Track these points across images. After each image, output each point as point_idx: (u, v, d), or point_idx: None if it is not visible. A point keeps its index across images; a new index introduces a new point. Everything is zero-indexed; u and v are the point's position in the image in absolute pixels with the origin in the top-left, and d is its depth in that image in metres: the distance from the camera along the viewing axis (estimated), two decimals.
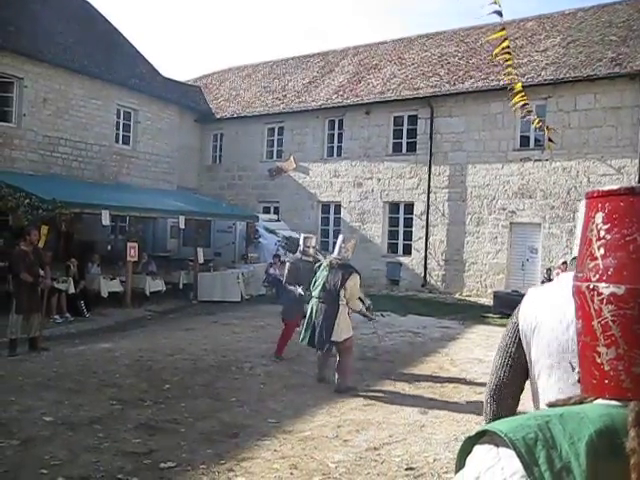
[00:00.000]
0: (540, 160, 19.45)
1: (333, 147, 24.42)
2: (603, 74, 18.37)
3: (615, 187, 1.10)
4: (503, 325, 15.08)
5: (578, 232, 1.63)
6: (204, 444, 6.40)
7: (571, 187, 18.93)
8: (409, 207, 22.40)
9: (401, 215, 22.74)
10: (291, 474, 5.66)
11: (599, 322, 1.07)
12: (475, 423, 7.31)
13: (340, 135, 24.13)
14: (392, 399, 8.41)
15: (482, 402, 7.58)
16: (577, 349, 1.14)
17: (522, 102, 4.14)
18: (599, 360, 1.07)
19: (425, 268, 21.77)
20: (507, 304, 16.89)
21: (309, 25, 78.02)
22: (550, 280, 17.02)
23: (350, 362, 9.07)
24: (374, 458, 6.13)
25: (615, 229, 1.07)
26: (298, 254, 11.35)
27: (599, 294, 1.07)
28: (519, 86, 4.36)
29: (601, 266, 1.08)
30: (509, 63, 4.21)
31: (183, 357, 10.75)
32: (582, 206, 1.27)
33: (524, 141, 20.10)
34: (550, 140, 16.02)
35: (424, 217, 21.77)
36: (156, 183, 23.93)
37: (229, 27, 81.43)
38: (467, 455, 1.05)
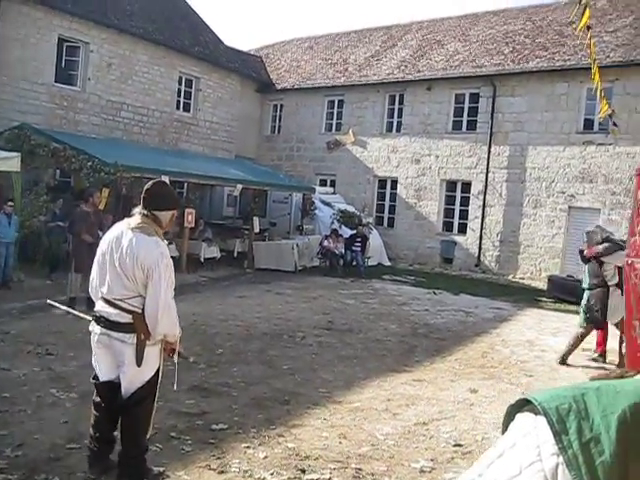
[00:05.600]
0: (603, 144, 19.02)
1: (392, 122, 24.24)
2: None
3: None
4: (557, 310, 15.03)
5: None
6: (255, 409, 6.53)
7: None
8: (466, 186, 22.17)
9: (458, 194, 22.53)
10: (340, 443, 5.74)
11: (635, 296, 1.09)
12: None
13: (400, 110, 23.93)
14: (442, 376, 8.42)
15: (532, 384, 7.52)
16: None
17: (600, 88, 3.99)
18: (634, 334, 1.09)
19: (479, 248, 21.58)
20: (562, 289, 16.73)
21: None
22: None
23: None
24: (422, 433, 6.18)
25: None
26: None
27: (634, 269, 1.09)
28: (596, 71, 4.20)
29: (638, 242, 1.10)
30: (590, 42, 4.06)
31: (236, 323, 10.93)
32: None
33: (588, 124, 19.65)
34: (614, 124, 15.53)
35: (481, 197, 21.54)
36: (215, 151, 24.15)
37: None
38: (510, 422, 1.08)
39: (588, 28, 12.55)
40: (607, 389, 1.04)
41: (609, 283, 9.49)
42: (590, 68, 15.26)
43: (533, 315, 14.43)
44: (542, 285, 18.58)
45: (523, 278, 20.38)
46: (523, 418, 1.05)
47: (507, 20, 24.25)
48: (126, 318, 4.45)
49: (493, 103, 21.27)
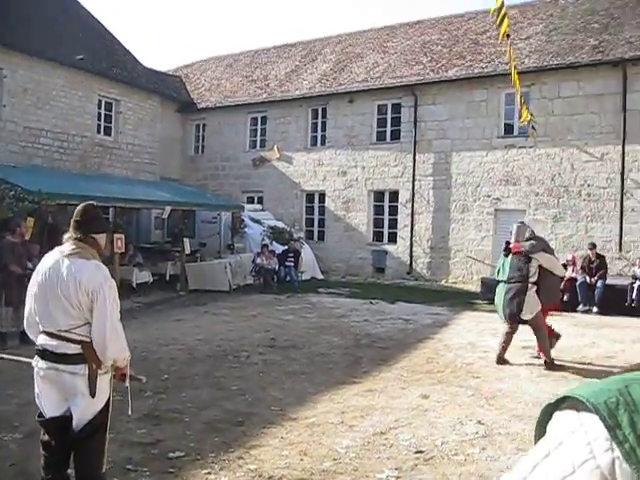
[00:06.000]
0: (524, 147, 19.55)
1: (317, 136, 24.36)
2: (586, 62, 18.49)
3: None
4: (492, 311, 15.21)
5: None
6: (210, 433, 6.37)
7: (555, 174, 19.05)
8: (394, 195, 22.41)
9: (386, 203, 22.75)
10: (301, 460, 5.64)
11: None
12: (477, 406, 7.34)
13: (324, 124, 24.07)
14: (392, 384, 8.41)
15: (481, 386, 7.55)
16: None
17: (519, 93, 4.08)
18: None
19: (411, 256, 21.82)
20: (494, 290, 16.98)
21: (288, 10, 77.49)
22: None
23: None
24: (382, 442, 6.13)
25: None
26: None
27: None
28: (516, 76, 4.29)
29: None
30: (509, 49, 4.14)
31: (178, 347, 10.71)
32: None
33: (508, 128, 20.19)
34: (533, 128, 15.98)
35: (409, 205, 21.80)
36: (138, 174, 23.71)
37: (208, 15, 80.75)
38: (546, 423, 1.05)
39: (507, 36, 12.89)
40: None
41: (530, 280, 9.56)
42: (507, 74, 15.70)
43: (470, 318, 14.63)
44: (474, 288, 18.90)
45: (455, 282, 20.68)
46: (565, 416, 1.02)
47: (424, 31, 24.71)
48: (74, 349, 4.25)
49: (415, 112, 21.61)
